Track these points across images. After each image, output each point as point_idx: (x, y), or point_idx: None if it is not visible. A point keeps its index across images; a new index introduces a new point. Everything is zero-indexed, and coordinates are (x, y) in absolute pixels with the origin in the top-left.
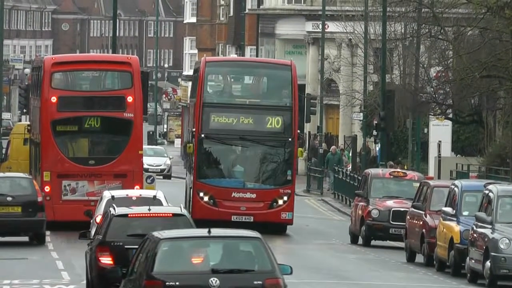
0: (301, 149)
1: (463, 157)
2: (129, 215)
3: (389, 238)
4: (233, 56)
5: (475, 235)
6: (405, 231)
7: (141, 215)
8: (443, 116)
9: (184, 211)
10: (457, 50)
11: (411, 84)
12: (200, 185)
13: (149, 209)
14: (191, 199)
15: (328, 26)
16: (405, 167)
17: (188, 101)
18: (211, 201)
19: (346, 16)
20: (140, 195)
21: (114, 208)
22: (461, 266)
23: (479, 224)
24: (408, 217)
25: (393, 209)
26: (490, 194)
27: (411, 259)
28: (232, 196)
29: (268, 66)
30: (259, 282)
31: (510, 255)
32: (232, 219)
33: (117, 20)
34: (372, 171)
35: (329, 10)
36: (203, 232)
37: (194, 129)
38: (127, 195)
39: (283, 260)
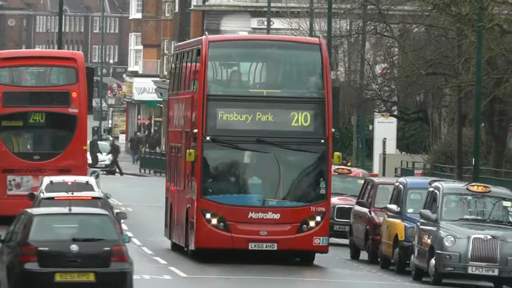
0: (337, 153)
1: (408, 154)
2: (55, 198)
3: (333, 235)
4: (243, 34)
5: (419, 232)
6: (350, 228)
7: (65, 198)
8: (388, 113)
9: (102, 194)
10: (402, 47)
11: (356, 81)
12: (206, 204)
13: (72, 193)
14: (190, 221)
15: (273, 23)
16: (349, 164)
17: (168, 94)
18: (221, 224)
19: (291, 12)
20: (75, 180)
21: (43, 192)
22: (406, 264)
23: (424, 221)
24: (352, 214)
25: (337, 206)
26: (435, 191)
27: (355, 256)
28: (249, 217)
29: (290, 46)
30: (107, 248)
31: (455, 252)
32: (250, 248)
33: (63, 16)
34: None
35: (274, 6)
36: (65, 210)
37: (195, 130)
38: (63, 180)
39: None
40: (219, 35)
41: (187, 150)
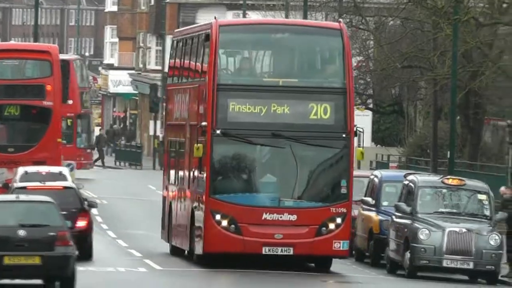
0: (360, 149)
1: (383, 147)
2: (27, 187)
3: None
4: (255, 17)
5: (394, 225)
6: None
7: (37, 187)
8: (364, 106)
9: (73, 185)
10: (378, 40)
11: None
12: (215, 204)
13: (44, 183)
14: (196, 223)
15: (248, 15)
16: None
17: (167, 82)
18: (232, 226)
19: (267, 5)
20: (49, 170)
21: (16, 182)
22: (381, 257)
23: (399, 214)
24: None
25: None
26: (411, 184)
27: None
28: (263, 218)
29: (308, 31)
30: (52, 233)
31: (430, 246)
32: (263, 252)
33: (39, 8)
34: None
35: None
36: (13, 197)
37: (204, 123)
38: (38, 170)
39: None
40: (230, 19)
41: (195, 145)
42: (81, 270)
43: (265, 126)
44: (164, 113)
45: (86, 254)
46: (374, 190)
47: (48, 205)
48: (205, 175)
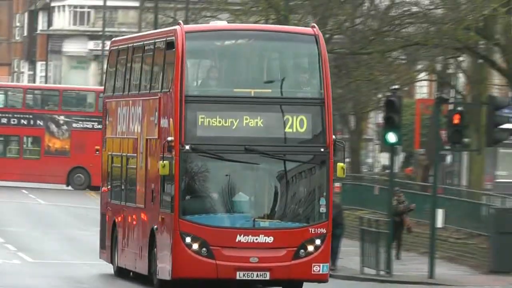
0: (341, 164)
1: None
2: None
3: None
4: (222, 23)
5: None
6: None
7: None
8: None
9: None
10: None
11: None
12: (185, 226)
13: None
14: (159, 245)
15: (107, 45)
16: None
17: (104, 94)
18: (204, 249)
19: (123, 35)
20: None
21: None
22: None
23: None
24: None
25: None
26: None
27: None
28: (237, 241)
29: (281, 37)
30: None
31: None
32: (238, 277)
33: None
34: None
35: (108, 31)
36: None
37: (170, 138)
38: None
39: None
40: (196, 25)
41: (161, 162)
42: None
43: (237, 140)
44: (101, 126)
45: None
46: None
47: None
48: (172, 194)
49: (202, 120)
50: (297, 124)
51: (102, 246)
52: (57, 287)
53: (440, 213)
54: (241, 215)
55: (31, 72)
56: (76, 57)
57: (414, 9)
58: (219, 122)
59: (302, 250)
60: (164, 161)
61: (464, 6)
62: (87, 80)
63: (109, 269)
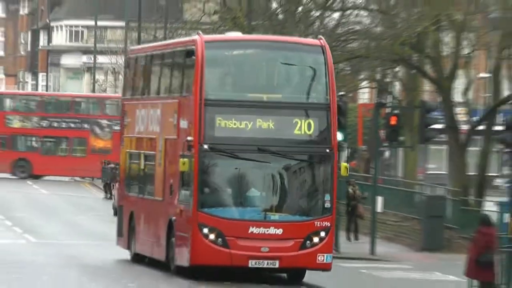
0: (345, 164)
1: None
2: None
3: None
4: (237, 33)
5: None
6: None
7: None
8: None
9: None
10: None
11: None
12: (203, 217)
13: None
14: (177, 235)
15: (98, 58)
16: None
17: (122, 97)
18: (220, 239)
19: (111, 51)
20: None
21: None
22: None
23: None
24: None
25: None
26: None
27: None
28: (250, 232)
29: (291, 47)
30: None
31: None
32: (250, 265)
33: None
34: None
35: (99, 46)
36: None
37: (190, 138)
38: None
39: None
40: (214, 35)
41: (181, 159)
42: None
43: (251, 141)
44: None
45: None
46: None
47: None
48: (192, 189)
49: (219, 122)
50: (305, 127)
51: (119, 234)
52: (57, 264)
53: (379, 200)
54: (254, 208)
55: (34, 82)
56: (72, 69)
57: (357, 27)
58: (235, 124)
59: (308, 241)
60: (184, 159)
61: (400, 24)
62: (81, 88)
63: (108, 250)
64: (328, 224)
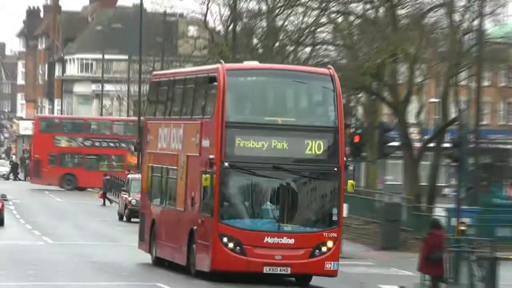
0: (351, 181)
1: None
2: None
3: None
4: (254, 63)
5: None
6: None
7: None
8: None
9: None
10: None
11: None
12: (223, 228)
13: None
14: (198, 243)
15: (105, 86)
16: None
17: (146, 116)
18: (238, 248)
19: (116, 80)
20: None
21: None
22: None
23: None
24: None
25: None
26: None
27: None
28: (265, 241)
29: (304, 76)
30: None
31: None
32: (265, 271)
33: None
34: (131, 176)
35: (106, 76)
36: None
37: (211, 156)
38: None
39: None
40: (234, 64)
41: (203, 175)
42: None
43: (267, 159)
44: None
45: (1, 222)
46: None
47: None
48: (213, 202)
49: (239, 142)
50: (316, 148)
51: (141, 239)
52: (73, 262)
53: (345, 206)
54: (269, 220)
55: (50, 107)
56: (83, 96)
57: (326, 59)
58: (252, 144)
59: (317, 250)
60: (207, 175)
61: (362, 57)
62: (90, 112)
63: (114, 249)
64: (335, 235)
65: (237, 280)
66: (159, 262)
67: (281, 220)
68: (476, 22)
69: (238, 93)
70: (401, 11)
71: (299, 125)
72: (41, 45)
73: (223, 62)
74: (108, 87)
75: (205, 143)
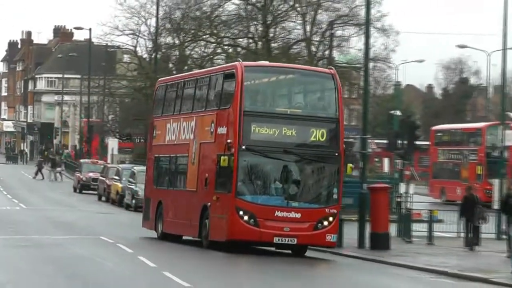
0: (350, 164)
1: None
2: None
3: (90, 189)
4: (267, 62)
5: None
6: (98, 186)
7: None
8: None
9: None
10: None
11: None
12: (240, 203)
13: None
14: (212, 217)
15: (64, 97)
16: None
17: (153, 115)
18: (252, 220)
19: (73, 92)
20: None
21: None
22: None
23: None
24: (99, 179)
25: (92, 176)
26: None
27: (100, 199)
28: (275, 215)
29: (310, 74)
30: None
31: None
32: (274, 241)
33: None
34: (83, 161)
35: (65, 89)
36: None
37: (229, 141)
38: None
39: None
40: (251, 62)
41: (222, 157)
42: None
43: (278, 144)
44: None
45: None
46: (119, 173)
47: None
48: (231, 180)
49: (254, 128)
50: (319, 135)
51: (146, 218)
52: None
53: None
54: (279, 197)
55: (25, 111)
56: (48, 104)
57: None
58: (266, 131)
59: (319, 224)
60: (225, 156)
61: None
62: (54, 116)
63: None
64: (335, 211)
65: (240, 250)
66: (167, 237)
67: (289, 197)
68: (327, 52)
69: (253, 87)
70: (274, 44)
71: (306, 115)
72: (19, 67)
73: (240, 60)
74: (66, 97)
75: (221, 130)
